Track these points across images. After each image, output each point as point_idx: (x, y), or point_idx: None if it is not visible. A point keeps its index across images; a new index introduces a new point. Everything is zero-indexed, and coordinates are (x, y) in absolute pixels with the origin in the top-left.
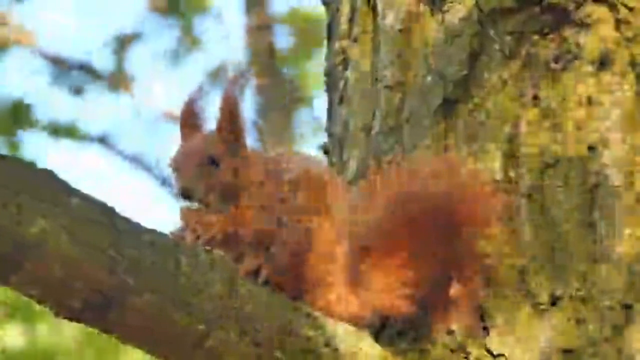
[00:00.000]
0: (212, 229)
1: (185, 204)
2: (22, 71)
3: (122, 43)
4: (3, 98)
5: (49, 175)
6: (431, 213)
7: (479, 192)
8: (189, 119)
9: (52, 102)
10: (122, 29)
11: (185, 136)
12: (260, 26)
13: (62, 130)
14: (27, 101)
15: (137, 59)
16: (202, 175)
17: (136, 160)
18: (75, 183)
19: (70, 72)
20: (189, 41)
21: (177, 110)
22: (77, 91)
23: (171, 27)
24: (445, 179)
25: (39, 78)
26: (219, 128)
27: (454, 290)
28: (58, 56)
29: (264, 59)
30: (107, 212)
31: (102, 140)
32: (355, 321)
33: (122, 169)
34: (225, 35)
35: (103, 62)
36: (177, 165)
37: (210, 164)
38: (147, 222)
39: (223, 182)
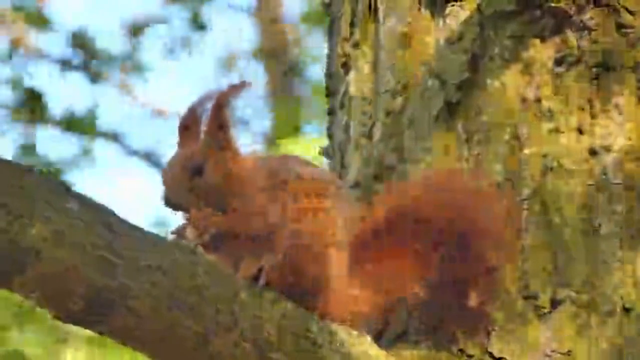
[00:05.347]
0: (215, 227)
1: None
2: (35, 62)
3: (134, 31)
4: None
5: (48, 178)
6: (434, 214)
7: (484, 196)
8: (187, 127)
9: (65, 94)
10: (133, 16)
11: (182, 144)
12: (271, 21)
13: (76, 124)
14: (41, 92)
15: (148, 46)
16: (186, 186)
17: (144, 156)
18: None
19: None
20: (200, 29)
21: (181, 108)
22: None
23: (182, 14)
24: (449, 184)
25: (52, 68)
26: (208, 133)
27: (466, 293)
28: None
29: (274, 54)
30: (105, 214)
31: (114, 135)
32: (357, 322)
33: (130, 164)
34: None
35: (115, 49)
36: (164, 176)
37: (195, 174)
38: (153, 219)
39: (208, 190)
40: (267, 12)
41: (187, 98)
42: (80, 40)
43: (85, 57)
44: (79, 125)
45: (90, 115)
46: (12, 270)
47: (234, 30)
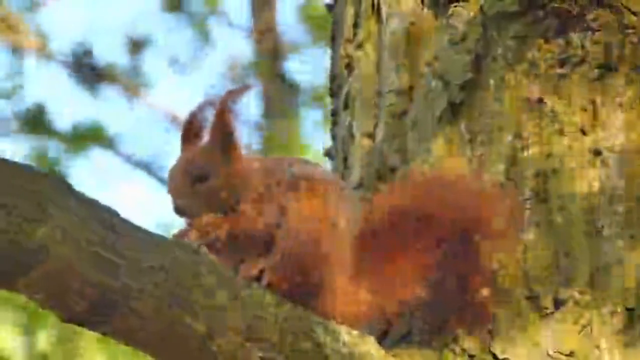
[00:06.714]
0: (217, 230)
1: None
2: (37, 75)
3: (135, 44)
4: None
5: (51, 178)
6: (437, 211)
7: (487, 195)
8: (190, 132)
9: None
10: (133, 28)
11: (184, 149)
12: (265, 29)
13: (84, 137)
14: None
15: (148, 58)
16: (193, 191)
17: (143, 165)
18: (83, 186)
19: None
20: (200, 40)
21: (183, 115)
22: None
23: (182, 26)
24: (452, 182)
25: (54, 82)
26: (212, 137)
27: (468, 291)
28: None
29: (269, 61)
30: (109, 215)
31: (115, 143)
32: (358, 323)
33: (130, 172)
34: (233, 35)
35: (115, 60)
36: (170, 181)
37: (198, 177)
38: (153, 226)
39: (214, 195)
40: (261, 19)
41: (187, 103)
42: (81, 55)
43: (88, 73)
44: (85, 138)
45: (96, 128)
46: (16, 271)
47: (230, 41)
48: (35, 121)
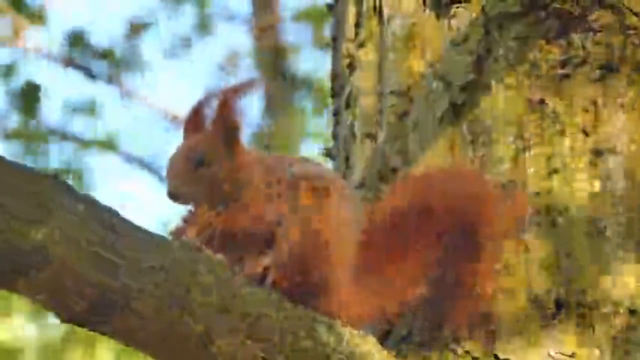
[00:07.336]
0: (216, 225)
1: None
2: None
3: (135, 30)
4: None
5: (51, 178)
6: (439, 204)
7: (489, 193)
8: (193, 122)
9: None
10: (133, 16)
11: (186, 138)
12: (266, 27)
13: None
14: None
15: (148, 48)
16: (196, 176)
17: (143, 164)
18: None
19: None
20: (200, 33)
21: (182, 114)
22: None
23: (182, 16)
24: (455, 176)
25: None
26: (215, 128)
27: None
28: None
29: (270, 58)
30: (109, 215)
31: (110, 142)
32: (360, 323)
33: (130, 171)
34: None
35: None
36: (170, 166)
37: (199, 165)
38: (153, 226)
39: (211, 183)
40: (262, 17)
41: (187, 102)
42: (78, 40)
43: (84, 57)
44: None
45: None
46: (15, 272)
47: (232, 37)
48: (28, 100)
